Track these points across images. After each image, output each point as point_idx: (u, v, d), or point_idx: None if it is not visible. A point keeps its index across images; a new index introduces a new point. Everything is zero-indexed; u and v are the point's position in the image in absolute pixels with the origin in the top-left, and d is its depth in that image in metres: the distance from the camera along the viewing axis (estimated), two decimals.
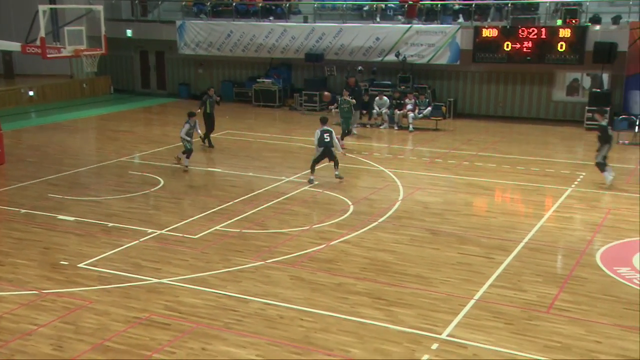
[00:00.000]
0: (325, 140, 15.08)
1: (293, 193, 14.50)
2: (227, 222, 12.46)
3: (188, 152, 16.49)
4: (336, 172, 15.43)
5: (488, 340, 7.91)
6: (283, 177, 15.72)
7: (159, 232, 11.88)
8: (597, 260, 10.55)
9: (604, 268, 10.22)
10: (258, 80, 27.80)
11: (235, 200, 13.84)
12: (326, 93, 22.32)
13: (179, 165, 16.62)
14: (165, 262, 10.48)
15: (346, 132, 19.52)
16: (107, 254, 10.83)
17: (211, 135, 19.50)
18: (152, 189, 14.86)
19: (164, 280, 9.74)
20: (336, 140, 15.44)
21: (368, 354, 7.61)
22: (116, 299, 9.12)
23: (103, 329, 8.22)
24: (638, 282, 9.65)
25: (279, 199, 14.02)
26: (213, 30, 27.70)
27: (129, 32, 29.72)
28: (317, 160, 15.42)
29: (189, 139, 16.44)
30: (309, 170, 15.37)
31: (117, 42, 28.52)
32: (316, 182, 15.15)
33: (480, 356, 7.54)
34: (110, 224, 12.30)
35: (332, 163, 15.50)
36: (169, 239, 11.52)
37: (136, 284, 9.62)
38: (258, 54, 27.40)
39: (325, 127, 15.28)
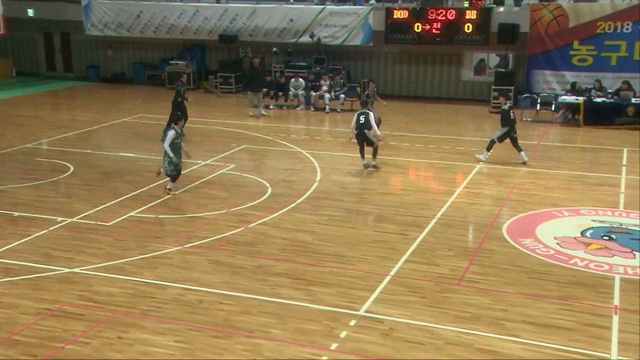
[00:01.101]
0: (360, 122, 14.61)
1: (210, 177, 14.37)
2: (142, 208, 12.21)
3: (173, 177, 12.85)
4: (372, 163, 14.78)
5: (404, 314, 8.20)
6: (200, 161, 15.53)
7: (69, 220, 11.49)
8: (503, 233, 11.10)
9: (509, 240, 10.77)
10: (171, 62, 27.14)
11: (151, 186, 13.56)
12: (255, 60, 22.16)
13: (169, 196, 12.90)
14: (77, 251, 10.17)
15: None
16: (13, 244, 10.38)
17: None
18: (62, 176, 14.31)
19: (77, 270, 9.46)
20: (373, 123, 14.62)
21: (288, 334, 7.73)
22: (25, 291, 8.79)
23: (11, 323, 7.92)
24: (541, 252, 10.25)
25: (196, 183, 13.86)
26: (122, 11, 26.75)
27: (30, 12, 28.21)
28: (360, 146, 14.66)
29: (172, 155, 12.45)
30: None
31: (17, 22, 27.04)
32: (372, 164, 14.88)
33: (396, 330, 7.82)
34: (17, 214, 11.79)
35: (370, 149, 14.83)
36: (81, 227, 11.18)
37: (47, 275, 9.30)
38: (170, 35, 26.73)
39: (364, 110, 14.79)
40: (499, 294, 8.76)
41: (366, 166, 14.79)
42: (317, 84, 23.03)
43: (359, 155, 14.90)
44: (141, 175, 14.44)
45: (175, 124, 12.85)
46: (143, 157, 16.11)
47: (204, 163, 15.42)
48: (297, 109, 22.83)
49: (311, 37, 24.63)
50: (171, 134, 12.53)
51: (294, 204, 12.56)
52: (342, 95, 22.52)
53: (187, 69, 26.10)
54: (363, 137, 14.70)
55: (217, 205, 12.43)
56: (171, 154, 12.49)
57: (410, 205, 12.58)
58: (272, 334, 7.73)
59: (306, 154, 16.49)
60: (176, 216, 11.85)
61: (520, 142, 15.83)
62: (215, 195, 13.12)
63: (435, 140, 18.18)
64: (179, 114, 13.67)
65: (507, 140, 15.68)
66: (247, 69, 23.73)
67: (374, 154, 14.88)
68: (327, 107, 22.30)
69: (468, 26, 22.77)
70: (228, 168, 15.02)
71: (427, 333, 7.74)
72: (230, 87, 26.02)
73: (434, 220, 11.68)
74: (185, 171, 14.73)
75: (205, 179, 14.15)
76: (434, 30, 23.15)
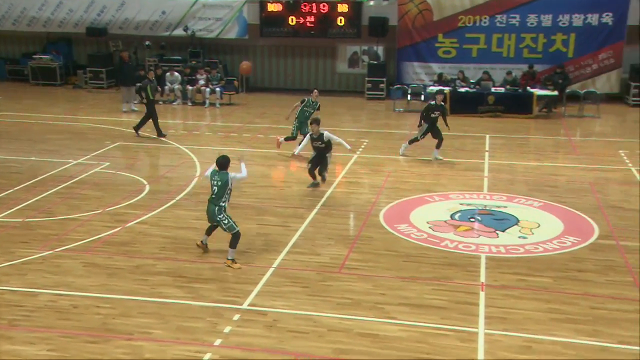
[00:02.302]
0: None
1: (82, 176, 13.72)
2: (7, 212, 11.45)
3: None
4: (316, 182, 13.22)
5: (287, 304, 8.31)
6: (70, 160, 14.78)
7: None
8: (380, 219, 11.51)
9: (386, 226, 11.19)
10: (34, 56, 25.55)
11: (16, 188, 12.74)
12: (124, 53, 21.31)
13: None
14: None
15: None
16: None
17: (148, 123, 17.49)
18: None
19: None
20: (335, 138, 13.25)
21: (170, 333, 7.59)
22: None
23: None
24: (415, 237, 10.75)
25: (67, 183, 13.19)
26: None
27: None
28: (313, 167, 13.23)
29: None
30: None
31: None
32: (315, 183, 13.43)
33: (280, 321, 7.90)
34: None
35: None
36: None
37: None
38: (32, 28, 25.16)
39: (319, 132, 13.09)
40: (377, 279, 9.09)
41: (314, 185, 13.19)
42: (194, 78, 22.61)
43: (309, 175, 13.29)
44: (6, 177, 13.52)
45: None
46: (8, 157, 15.08)
47: (75, 162, 14.70)
48: (174, 103, 22.32)
49: (185, 30, 24.13)
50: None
51: (174, 201, 12.30)
52: (218, 89, 22.27)
53: (52, 64, 24.70)
54: (320, 160, 13.13)
55: (91, 206, 11.90)
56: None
57: (291, 197, 12.72)
58: (153, 335, 7.55)
59: (185, 150, 16.17)
60: (46, 219, 11.22)
61: (392, 131, 16.42)
62: (89, 195, 12.56)
63: None
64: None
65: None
66: (117, 63, 22.85)
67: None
68: (207, 102, 21.99)
69: (340, 19, 23.31)
70: (102, 166, 14.41)
71: (309, 322, 7.89)
72: (101, 82, 24.94)
73: (315, 211, 11.89)
74: (54, 171, 13.99)
75: (77, 179, 13.50)
76: (308, 24, 23.46)
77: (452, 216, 11.68)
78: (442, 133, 15.23)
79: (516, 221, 11.35)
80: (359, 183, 13.78)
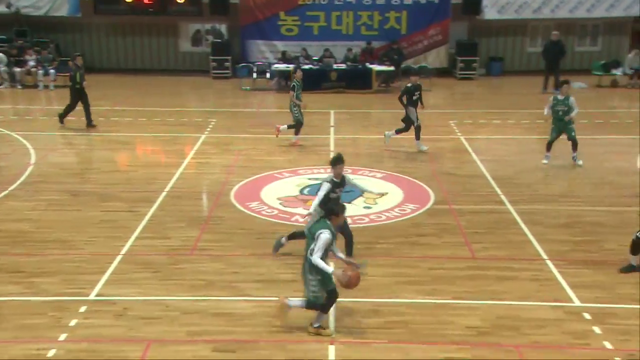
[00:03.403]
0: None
1: None
2: None
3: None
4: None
5: (138, 291, 8.09)
6: None
7: None
8: (231, 198, 11.51)
9: (237, 205, 11.22)
10: None
11: None
12: None
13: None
14: None
15: None
16: None
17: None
18: None
19: None
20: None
21: (9, 333, 7.10)
22: None
23: None
24: (266, 213, 10.89)
25: None
26: None
27: None
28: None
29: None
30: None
31: None
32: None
33: (130, 309, 7.69)
34: None
35: None
36: None
37: None
38: None
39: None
40: (230, 258, 9.12)
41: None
42: (22, 59, 20.93)
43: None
44: None
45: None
46: None
47: None
48: (1, 87, 20.56)
49: (8, 7, 22.19)
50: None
51: (6, 192, 11.43)
52: (52, 71, 20.83)
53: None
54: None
55: None
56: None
57: (137, 181, 12.31)
58: None
59: (16, 136, 15.00)
60: None
61: (242, 110, 16.39)
62: None
63: (158, 113, 17.91)
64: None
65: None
66: None
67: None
68: (41, 84, 20.47)
69: None
70: None
71: (161, 306, 7.75)
72: None
73: (164, 194, 11.61)
74: None
75: None
76: (145, 0, 22.53)
77: (301, 191, 11.96)
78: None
79: (361, 192, 11.86)
80: (209, 163, 13.64)
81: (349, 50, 22.06)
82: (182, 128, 16.39)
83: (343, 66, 21.33)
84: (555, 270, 8.65)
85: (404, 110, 14.34)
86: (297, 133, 14.97)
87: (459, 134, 15.87)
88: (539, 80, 20.47)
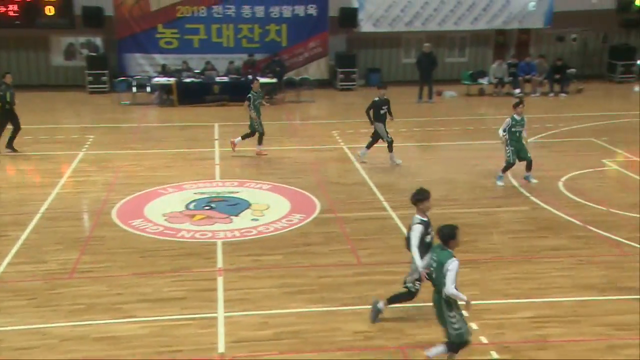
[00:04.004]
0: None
1: None
2: None
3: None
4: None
5: (10, 321, 7.60)
6: None
7: None
8: (113, 217, 11.10)
9: (120, 224, 10.84)
10: None
11: None
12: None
13: None
14: None
15: None
16: None
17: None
18: None
19: None
20: None
21: None
22: None
23: None
24: (151, 231, 10.60)
25: None
26: None
27: None
28: None
29: None
30: None
31: None
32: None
33: (4, 340, 7.20)
34: None
35: None
36: None
37: None
38: None
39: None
40: (113, 279, 8.78)
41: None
42: None
43: None
44: None
45: None
46: None
47: None
48: None
49: None
50: None
51: None
52: None
53: None
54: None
55: None
56: None
57: (8, 204, 11.59)
58: None
59: None
60: None
61: (121, 125, 15.89)
62: None
63: (30, 130, 16.86)
64: None
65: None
66: None
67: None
68: None
69: (49, 8, 21.56)
70: None
71: (38, 335, 7.32)
72: None
73: (38, 216, 11.01)
74: None
75: None
76: (10, 13, 21.26)
77: (187, 206, 11.76)
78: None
79: (248, 205, 11.86)
80: (88, 181, 13.09)
81: (231, 63, 22.01)
82: (57, 146, 15.61)
83: (226, 79, 21.23)
84: None
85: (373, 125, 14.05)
86: (260, 143, 15.00)
87: (341, 143, 16.26)
88: (415, 89, 21.43)
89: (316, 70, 23.48)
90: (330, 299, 8.31)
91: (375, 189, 12.64)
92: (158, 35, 22.60)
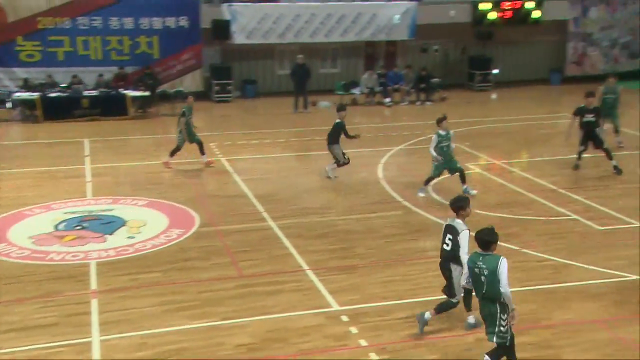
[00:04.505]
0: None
1: None
2: None
3: None
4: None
5: None
6: None
7: None
8: None
9: None
10: None
11: None
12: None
13: None
14: None
15: None
16: None
17: None
18: None
19: None
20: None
21: None
22: None
23: None
24: (16, 255, 9.96)
25: None
26: None
27: None
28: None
29: None
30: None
31: None
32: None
33: None
34: None
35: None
36: None
37: None
38: None
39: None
40: None
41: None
42: None
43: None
44: None
45: None
46: None
47: None
48: None
49: None
50: None
51: None
52: None
53: None
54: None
55: None
56: None
57: None
58: None
59: None
60: None
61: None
62: None
63: None
64: None
65: None
66: None
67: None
68: None
69: None
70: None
71: None
72: None
73: None
74: None
75: None
76: None
77: (56, 227, 11.18)
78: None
79: (123, 222, 11.46)
80: None
81: (100, 76, 21.20)
82: None
83: (95, 92, 20.40)
84: (315, 279, 9.24)
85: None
86: (202, 152, 14.87)
87: (220, 155, 16.15)
88: (290, 100, 21.73)
89: (191, 82, 23.17)
90: (212, 313, 8.23)
91: (255, 201, 12.68)
92: (18, 48, 21.27)
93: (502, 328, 6.41)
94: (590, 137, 13.85)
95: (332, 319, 8.09)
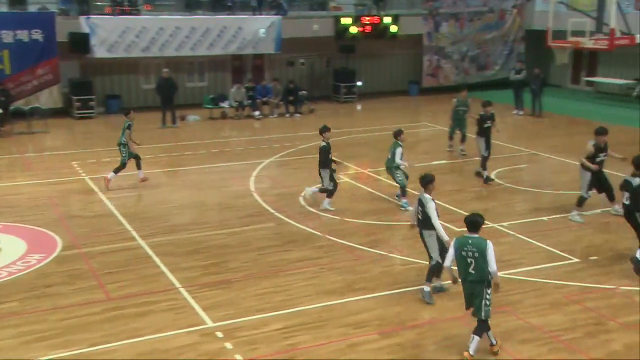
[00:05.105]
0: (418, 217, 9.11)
1: None
2: None
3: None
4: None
5: None
6: None
7: None
8: None
9: None
10: None
11: None
12: None
13: None
14: None
15: None
16: None
17: None
18: None
19: None
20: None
21: None
22: None
23: None
24: None
25: None
26: None
27: None
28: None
29: None
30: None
31: None
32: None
33: None
34: None
35: None
36: None
37: None
38: None
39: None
40: None
41: None
42: None
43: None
44: None
45: None
46: None
47: None
48: None
49: None
50: None
51: None
52: None
53: None
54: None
55: None
56: None
57: None
58: None
59: None
60: None
61: None
62: None
63: None
64: None
65: None
66: None
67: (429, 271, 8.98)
68: None
69: None
70: None
71: None
72: None
73: None
74: None
75: None
76: None
77: None
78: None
79: None
80: None
81: None
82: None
83: None
84: (188, 297, 9.04)
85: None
86: (116, 172, 14.22)
87: (83, 174, 15.40)
88: (157, 115, 21.19)
89: (48, 98, 21.90)
90: (76, 341, 7.79)
91: (122, 219, 12.21)
92: None
93: (487, 302, 7.21)
94: (489, 142, 14.66)
95: (207, 336, 7.96)
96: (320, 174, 12.78)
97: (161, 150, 17.98)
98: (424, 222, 8.65)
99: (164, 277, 9.74)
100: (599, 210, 12.41)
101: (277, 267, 10.11)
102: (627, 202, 9.81)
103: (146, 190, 14.22)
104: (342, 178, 15.09)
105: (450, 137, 17.58)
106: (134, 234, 11.50)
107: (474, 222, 7.28)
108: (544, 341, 7.78)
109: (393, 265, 10.12)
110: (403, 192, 12.83)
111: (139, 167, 14.46)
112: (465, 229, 7.38)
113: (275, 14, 24.40)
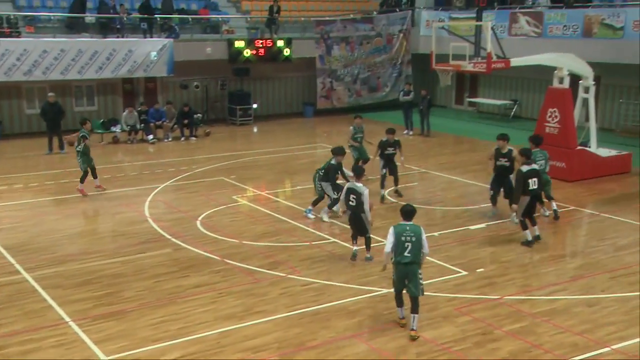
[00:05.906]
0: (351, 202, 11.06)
1: None
2: None
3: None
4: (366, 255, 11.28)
5: None
6: None
7: None
8: None
9: None
10: None
11: None
12: None
13: None
14: None
15: None
16: None
17: None
18: None
19: None
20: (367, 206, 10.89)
21: None
22: None
23: None
24: None
25: None
26: None
27: None
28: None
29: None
30: None
31: None
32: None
33: None
34: None
35: None
36: None
37: None
38: None
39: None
40: None
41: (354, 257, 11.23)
42: None
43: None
44: None
45: None
46: None
47: None
48: None
49: None
50: None
51: None
52: None
53: None
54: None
55: None
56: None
57: None
58: None
59: None
60: None
61: None
62: None
63: None
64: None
65: None
66: None
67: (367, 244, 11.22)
68: None
69: None
70: None
71: None
72: None
73: None
74: None
75: None
76: None
77: None
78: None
79: None
80: None
81: None
82: None
83: None
84: (79, 331, 8.64)
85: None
86: (82, 181, 15.24)
87: None
88: (44, 141, 20.22)
89: None
90: None
91: (5, 252, 11.51)
92: None
93: (421, 281, 8.37)
94: (391, 167, 15.02)
95: None
96: (320, 186, 13.59)
97: (48, 177, 17.15)
98: (357, 207, 10.71)
99: (51, 311, 9.26)
100: (483, 225, 13.11)
101: (174, 294, 9.88)
102: (535, 187, 11.59)
103: (31, 220, 13.49)
104: (240, 200, 15.05)
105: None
106: (18, 267, 10.88)
107: (409, 212, 8.48)
108: (436, 354, 8.07)
109: (292, 287, 10.17)
110: (315, 203, 13.74)
111: (94, 176, 15.58)
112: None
113: (167, 37, 24.07)
